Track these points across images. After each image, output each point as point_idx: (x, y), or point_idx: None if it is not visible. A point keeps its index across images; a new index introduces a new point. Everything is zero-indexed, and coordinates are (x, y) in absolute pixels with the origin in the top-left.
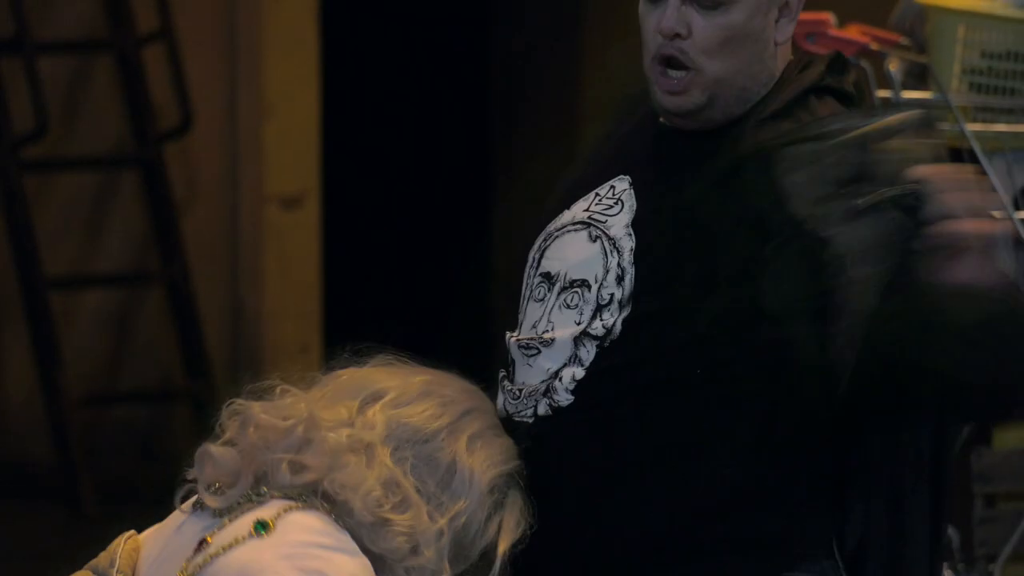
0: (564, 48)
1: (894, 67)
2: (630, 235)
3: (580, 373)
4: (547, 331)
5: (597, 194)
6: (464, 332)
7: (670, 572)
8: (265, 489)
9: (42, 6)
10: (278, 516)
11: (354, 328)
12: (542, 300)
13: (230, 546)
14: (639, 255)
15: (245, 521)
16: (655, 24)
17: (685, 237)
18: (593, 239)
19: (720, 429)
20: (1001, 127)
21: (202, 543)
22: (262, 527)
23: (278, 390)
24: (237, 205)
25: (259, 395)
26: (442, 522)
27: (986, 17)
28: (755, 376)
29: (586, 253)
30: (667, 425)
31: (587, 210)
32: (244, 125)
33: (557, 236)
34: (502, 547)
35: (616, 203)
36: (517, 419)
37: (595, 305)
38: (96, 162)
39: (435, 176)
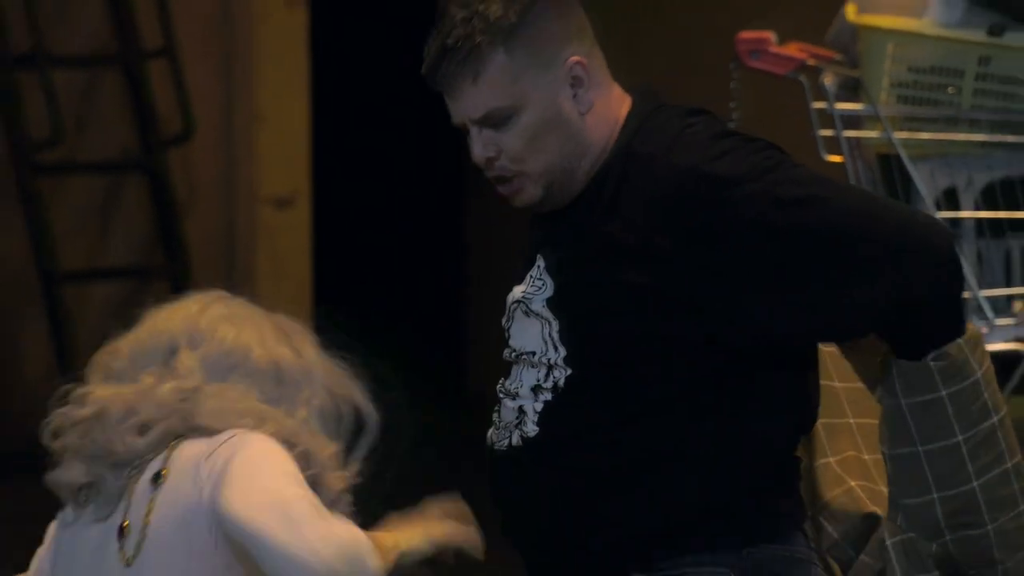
0: None
1: (829, 81)
2: (548, 309)
3: (540, 407)
4: (517, 387)
5: (531, 276)
6: (442, 321)
7: (647, 556)
8: (125, 462)
9: (56, 23)
10: (168, 459)
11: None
12: (516, 363)
13: (165, 504)
14: (562, 327)
15: (142, 488)
16: (472, 154)
17: (589, 312)
18: (527, 315)
19: (662, 442)
20: (926, 135)
21: (122, 529)
22: (158, 478)
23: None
24: (233, 206)
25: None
26: (301, 414)
27: (913, 35)
28: (680, 398)
29: (529, 328)
30: (616, 439)
31: (524, 291)
32: (239, 133)
33: (512, 315)
34: (359, 401)
35: (543, 282)
36: (496, 447)
37: (546, 367)
38: (105, 167)
39: (416, 178)
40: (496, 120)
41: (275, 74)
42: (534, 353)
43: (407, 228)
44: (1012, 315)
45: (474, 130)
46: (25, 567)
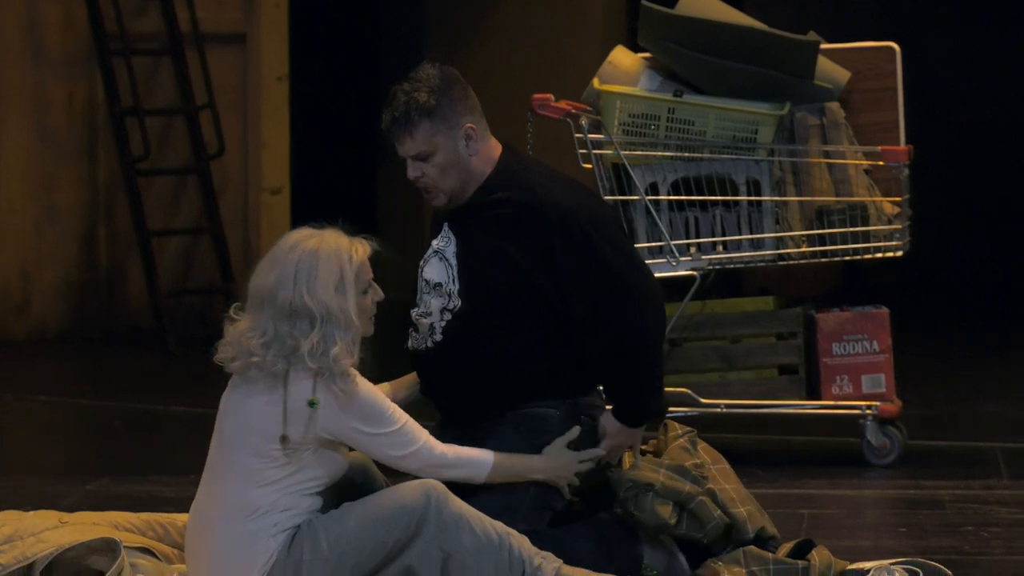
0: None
1: (584, 122)
2: (453, 256)
3: (444, 323)
4: (428, 309)
5: (441, 236)
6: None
7: (512, 403)
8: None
9: (148, 86)
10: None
11: None
12: (427, 293)
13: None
14: (459, 270)
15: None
16: (408, 174)
17: (479, 260)
18: (440, 260)
19: (517, 342)
20: (639, 153)
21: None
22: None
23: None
24: (247, 193)
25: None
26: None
27: (631, 96)
28: (526, 318)
29: (438, 268)
30: (490, 341)
31: (439, 244)
32: (251, 152)
33: (427, 258)
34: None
35: (448, 239)
36: (419, 349)
37: (447, 294)
38: (175, 171)
39: (361, 175)
40: (422, 157)
41: (270, 121)
42: (440, 284)
43: (358, 206)
44: (689, 256)
45: (409, 161)
46: None
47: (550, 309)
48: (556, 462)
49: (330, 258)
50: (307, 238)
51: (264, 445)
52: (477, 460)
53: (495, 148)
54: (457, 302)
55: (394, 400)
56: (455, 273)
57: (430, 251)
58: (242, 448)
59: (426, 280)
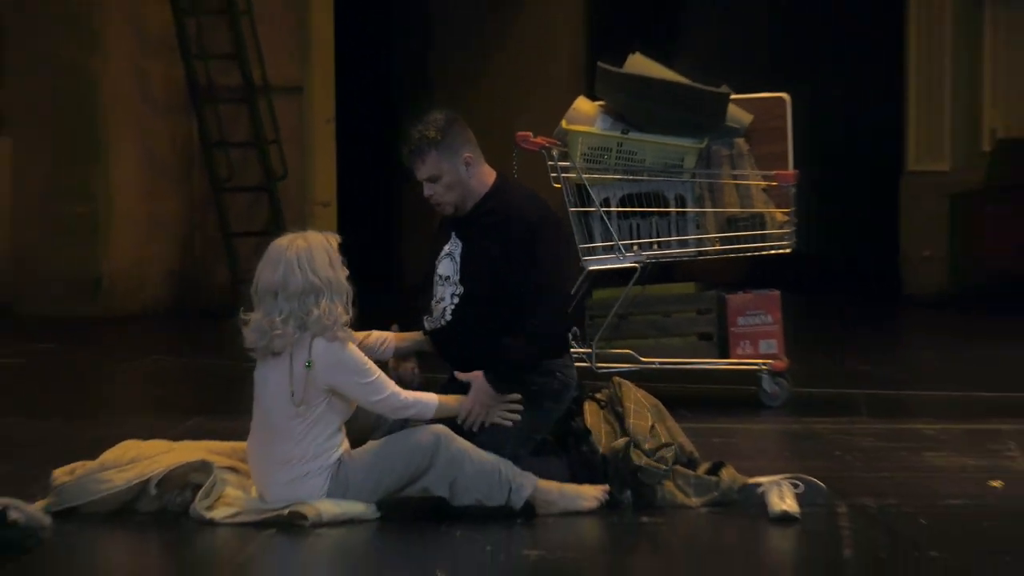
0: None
1: (555, 152)
2: (458, 256)
3: (452, 307)
4: (442, 297)
5: (450, 241)
6: (382, 259)
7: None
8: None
9: (230, 125)
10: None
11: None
12: (440, 285)
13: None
14: (461, 265)
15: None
16: (424, 193)
17: (477, 262)
18: (451, 261)
19: (502, 319)
20: (595, 175)
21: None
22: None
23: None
24: (303, 205)
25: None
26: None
27: (590, 134)
28: (504, 304)
29: (448, 265)
30: (487, 320)
31: (448, 247)
32: (306, 176)
33: (441, 259)
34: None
35: (456, 244)
36: (434, 328)
37: (455, 284)
38: (251, 189)
39: (389, 194)
40: (432, 179)
41: (320, 152)
42: (448, 277)
43: (384, 216)
44: (632, 252)
45: (424, 183)
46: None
47: (517, 294)
48: (471, 399)
49: (319, 246)
50: (294, 239)
51: (288, 408)
52: (427, 402)
53: (489, 173)
54: (460, 288)
55: (396, 347)
56: (458, 267)
57: (443, 253)
58: (275, 414)
59: (439, 275)
